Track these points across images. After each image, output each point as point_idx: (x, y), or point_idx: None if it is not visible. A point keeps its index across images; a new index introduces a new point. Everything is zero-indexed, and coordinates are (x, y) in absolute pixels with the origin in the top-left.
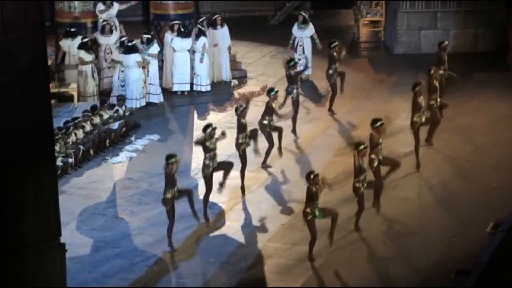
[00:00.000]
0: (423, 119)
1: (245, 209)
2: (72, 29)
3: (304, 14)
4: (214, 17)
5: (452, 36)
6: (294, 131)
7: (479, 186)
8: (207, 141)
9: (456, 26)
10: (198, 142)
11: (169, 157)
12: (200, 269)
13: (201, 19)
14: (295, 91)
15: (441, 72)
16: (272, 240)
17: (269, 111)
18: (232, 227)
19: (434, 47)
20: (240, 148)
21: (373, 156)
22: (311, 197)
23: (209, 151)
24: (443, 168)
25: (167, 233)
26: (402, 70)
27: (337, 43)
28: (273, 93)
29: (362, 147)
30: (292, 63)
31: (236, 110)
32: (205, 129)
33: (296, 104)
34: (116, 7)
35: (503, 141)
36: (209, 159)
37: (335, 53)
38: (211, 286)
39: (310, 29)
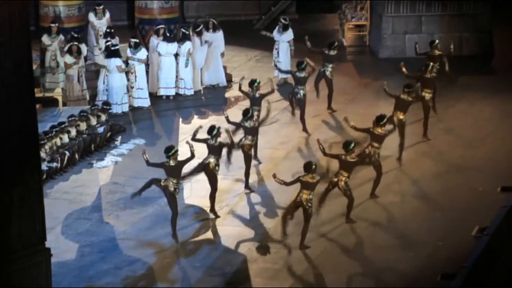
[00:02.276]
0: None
1: (231, 214)
2: (52, 25)
3: (283, 20)
4: (201, 21)
5: (437, 40)
6: (304, 129)
7: (465, 190)
8: (214, 143)
9: (441, 30)
10: (201, 140)
11: (169, 149)
12: (186, 273)
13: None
14: (301, 92)
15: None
16: (257, 244)
17: (254, 102)
18: (218, 232)
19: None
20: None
21: (371, 150)
22: (311, 187)
23: (217, 152)
24: (429, 172)
25: (172, 225)
26: (387, 74)
27: (337, 43)
28: (255, 84)
29: (351, 146)
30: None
31: (245, 115)
32: (210, 131)
33: (302, 104)
34: (107, 16)
35: (489, 144)
36: (214, 158)
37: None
38: None
39: (288, 35)
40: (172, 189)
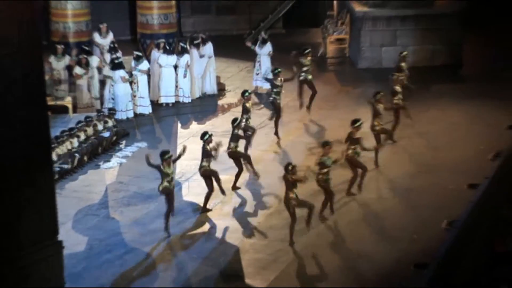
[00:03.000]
0: (381, 125)
1: (224, 209)
2: (58, 46)
3: (263, 34)
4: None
5: (411, 51)
6: (276, 133)
7: (436, 187)
8: (206, 146)
9: (414, 43)
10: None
11: (163, 153)
12: (184, 263)
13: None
14: (276, 96)
15: (402, 77)
16: (249, 236)
17: (245, 110)
18: (213, 226)
19: (394, 62)
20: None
21: (350, 151)
22: (291, 186)
23: (208, 155)
24: (404, 172)
25: (165, 218)
26: (366, 82)
27: (309, 49)
28: (246, 94)
29: (327, 145)
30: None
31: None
32: (202, 136)
33: (278, 109)
34: (111, 35)
35: (458, 147)
36: (206, 161)
37: (306, 60)
38: (192, 279)
39: (267, 48)
40: (171, 187)
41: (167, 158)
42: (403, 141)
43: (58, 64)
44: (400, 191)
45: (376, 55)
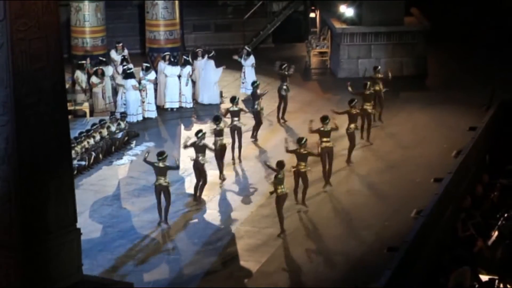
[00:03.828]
0: (356, 127)
1: (221, 200)
2: (81, 62)
3: (247, 48)
4: (197, 50)
5: (383, 63)
6: (255, 136)
7: (405, 181)
8: (199, 143)
9: (386, 55)
10: (189, 146)
11: (160, 154)
12: (186, 247)
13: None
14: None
15: (377, 88)
16: (243, 224)
17: (235, 114)
18: (212, 214)
19: (369, 72)
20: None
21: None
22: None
23: (202, 150)
24: (376, 167)
25: (160, 211)
26: (344, 90)
27: (286, 64)
28: (236, 100)
29: (302, 141)
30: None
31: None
32: (197, 133)
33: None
34: (126, 52)
35: (424, 145)
36: (202, 156)
37: (285, 72)
38: (194, 261)
39: (251, 60)
40: (165, 184)
41: (164, 158)
42: (376, 141)
43: (84, 77)
44: (372, 184)
45: (353, 66)
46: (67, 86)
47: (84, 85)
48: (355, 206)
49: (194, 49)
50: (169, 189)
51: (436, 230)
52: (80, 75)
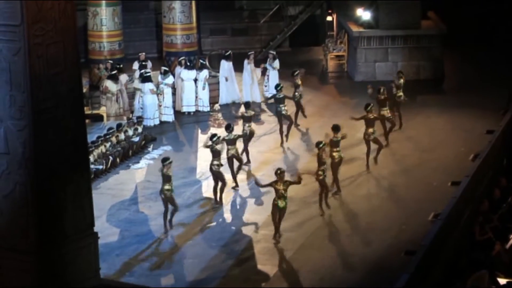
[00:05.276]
0: (373, 132)
1: (238, 203)
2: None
3: (272, 52)
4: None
5: (400, 67)
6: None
7: (423, 184)
8: (215, 147)
9: (403, 59)
10: (207, 147)
11: (164, 160)
12: (203, 250)
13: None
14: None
15: (400, 94)
16: (260, 228)
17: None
18: (229, 218)
19: (386, 76)
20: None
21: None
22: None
23: (217, 155)
24: (394, 171)
25: (170, 217)
26: (361, 94)
27: (298, 71)
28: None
29: (321, 145)
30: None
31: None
32: (211, 137)
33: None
34: (149, 65)
35: (442, 148)
36: (217, 160)
37: (298, 80)
38: (212, 264)
39: (276, 64)
40: (168, 194)
41: (169, 164)
42: (393, 144)
43: (115, 88)
44: (389, 187)
45: (370, 69)
46: (84, 90)
47: (115, 98)
48: (373, 209)
49: (222, 50)
50: (173, 197)
51: (453, 233)
52: (111, 85)
